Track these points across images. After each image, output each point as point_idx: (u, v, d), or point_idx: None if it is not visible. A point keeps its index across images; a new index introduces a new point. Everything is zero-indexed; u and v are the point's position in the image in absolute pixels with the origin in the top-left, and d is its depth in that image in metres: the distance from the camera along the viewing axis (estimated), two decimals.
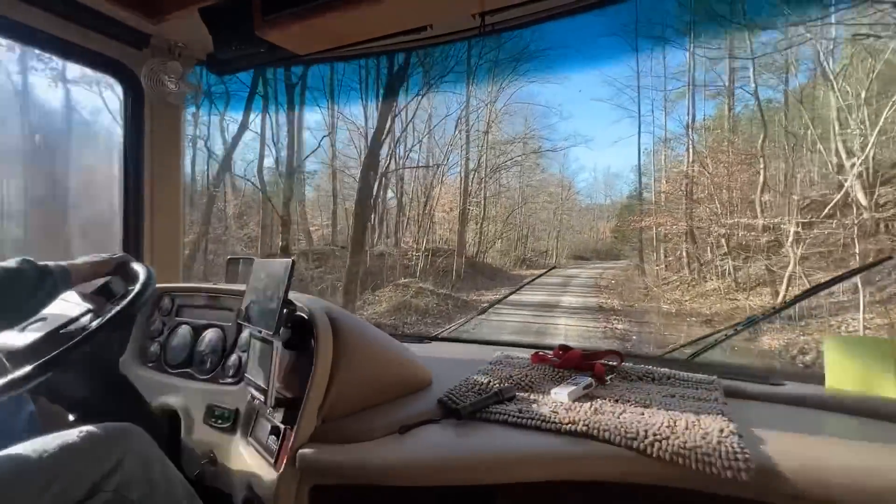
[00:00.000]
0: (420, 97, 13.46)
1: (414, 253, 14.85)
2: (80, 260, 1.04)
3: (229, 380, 1.14)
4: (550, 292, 13.76)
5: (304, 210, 14.84)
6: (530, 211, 20.90)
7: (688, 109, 14.14)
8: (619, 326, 9.62)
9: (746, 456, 0.74)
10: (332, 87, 13.14)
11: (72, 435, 0.82)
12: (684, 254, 13.24)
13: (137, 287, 1.02)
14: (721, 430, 0.81)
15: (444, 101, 15.09)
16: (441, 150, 16.40)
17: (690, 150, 13.53)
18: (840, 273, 1.25)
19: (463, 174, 16.98)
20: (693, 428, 0.83)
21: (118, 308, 0.94)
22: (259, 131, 12.26)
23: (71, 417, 1.02)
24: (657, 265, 14.86)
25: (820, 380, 1.14)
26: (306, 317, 0.97)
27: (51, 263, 0.95)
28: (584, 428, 0.85)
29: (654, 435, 0.80)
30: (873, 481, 0.70)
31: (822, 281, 1.28)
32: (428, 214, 15.95)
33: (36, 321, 1.04)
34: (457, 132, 16.04)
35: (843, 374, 1.09)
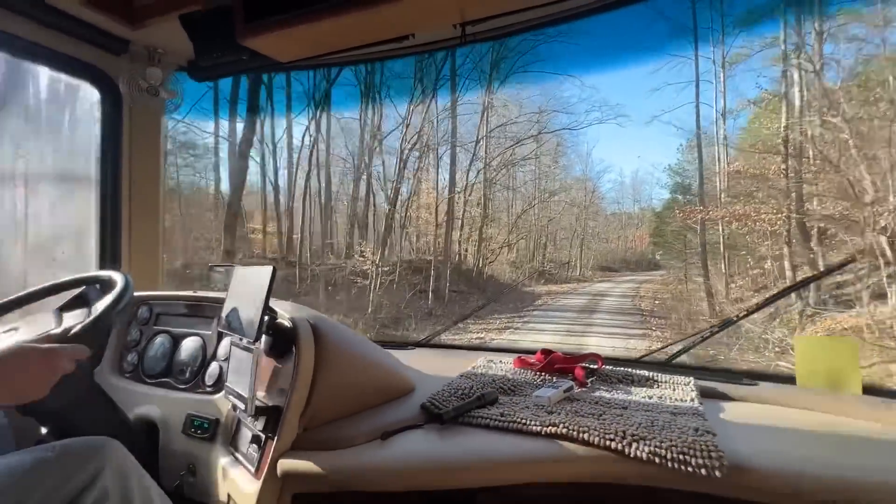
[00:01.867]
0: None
1: (375, 268, 11.06)
2: None
3: (209, 389, 1.12)
4: (569, 325, 9.50)
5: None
6: (548, 215, 17.57)
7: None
8: None
9: (721, 454, 0.76)
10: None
11: (46, 449, 0.80)
12: (786, 260, 8.29)
13: (113, 295, 1.00)
14: (696, 429, 0.84)
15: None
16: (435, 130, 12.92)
17: (802, 89, 8.16)
18: (812, 274, 1.30)
19: (449, 153, 13.39)
20: (669, 427, 0.85)
21: (93, 317, 0.93)
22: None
23: (44, 430, 0.99)
24: (729, 279, 9.95)
25: (791, 379, 1.18)
26: (287, 324, 0.97)
27: None
28: (565, 430, 0.86)
29: (632, 435, 0.82)
30: (842, 476, 0.73)
31: (795, 282, 1.33)
32: (389, 216, 12.74)
33: (8, 329, 1.01)
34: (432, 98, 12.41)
35: (812, 373, 1.13)
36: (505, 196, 16.63)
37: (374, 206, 13.78)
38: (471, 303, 11.95)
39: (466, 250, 14.84)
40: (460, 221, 14.43)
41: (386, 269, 11.58)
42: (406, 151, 13.04)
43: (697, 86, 12.12)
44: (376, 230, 13.32)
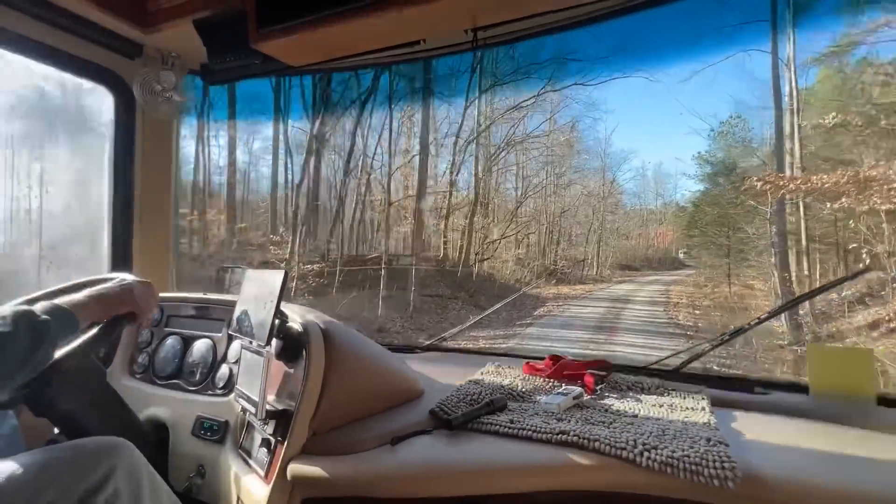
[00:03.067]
0: None
1: (303, 265, 8.60)
2: (82, 294, 0.90)
3: (219, 391, 1.13)
4: (578, 353, 5.06)
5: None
6: (562, 205, 15.16)
7: None
8: None
9: (733, 465, 0.75)
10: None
11: (59, 449, 0.80)
12: None
13: None
14: (708, 440, 0.83)
15: None
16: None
17: None
18: (823, 284, 1.29)
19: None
20: (681, 437, 0.85)
21: (108, 320, 0.93)
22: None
23: (56, 431, 1.00)
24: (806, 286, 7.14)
25: (804, 388, 1.17)
26: (298, 328, 0.97)
27: (48, 309, 0.80)
28: (575, 438, 0.85)
29: (644, 444, 0.81)
30: (857, 489, 0.72)
31: (808, 291, 1.32)
32: (308, 197, 9.95)
33: None
34: None
35: (825, 383, 1.11)
36: (508, 182, 13.68)
37: (365, 194, 11.05)
38: (451, 312, 8.88)
39: (462, 246, 11.72)
40: (445, 209, 11.11)
41: (321, 265, 8.69)
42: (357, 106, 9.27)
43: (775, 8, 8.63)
44: (327, 219, 10.44)
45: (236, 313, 1.07)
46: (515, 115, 12.17)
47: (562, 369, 1.25)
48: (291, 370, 0.98)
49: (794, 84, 8.60)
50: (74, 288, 1.15)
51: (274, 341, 0.97)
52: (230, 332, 1.13)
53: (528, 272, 13.29)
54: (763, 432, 0.94)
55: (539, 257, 14.38)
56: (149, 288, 1.01)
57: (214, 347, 1.20)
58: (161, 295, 1.36)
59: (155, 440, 1.11)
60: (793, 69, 8.60)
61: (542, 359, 1.36)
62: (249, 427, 1.03)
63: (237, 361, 1.09)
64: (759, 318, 1.31)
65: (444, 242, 11.82)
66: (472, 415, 0.96)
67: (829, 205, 6.39)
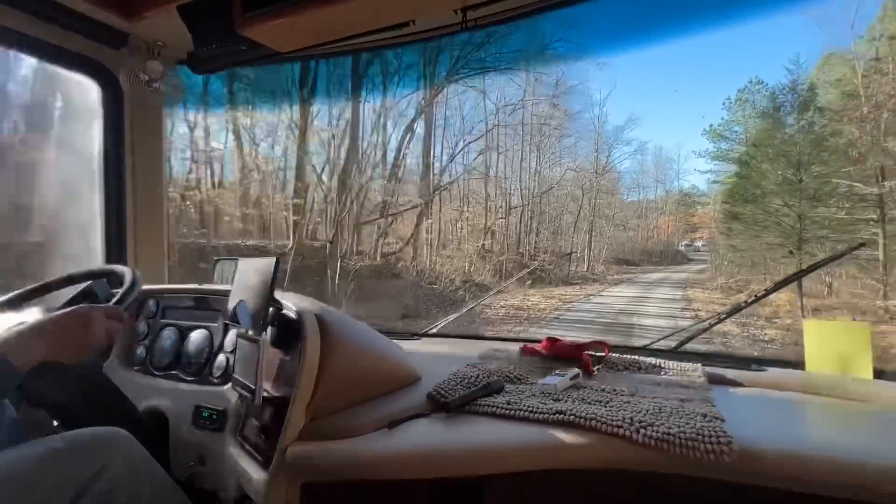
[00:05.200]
0: None
1: None
2: (15, 330, 0.77)
3: (217, 380, 1.13)
4: None
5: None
6: (541, 186, 12.18)
7: None
8: None
9: (729, 439, 0.75)
10: None
11: (56, 440, 0.81)
12: None
13: (122, 290, 1.01)
14: (704, 415, 0.83)
15: None
16: None
17: None
18: (818, 260, 1.28)
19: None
20: (677, 413, 0.85)
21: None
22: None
23: (55, 423, 1.00)
24: None
25: (800, 365, 1.17)
26: (293, 315, 0.97)
27: None
28: (572, 417, 0.86)
29: (640, 422, 0.82)
30: (850, 460, 0.72)
31: (802, 269, 1.32)
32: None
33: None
34: None
35: (821, 358, 1.12)
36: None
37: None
38: None
39: (337, 229, 7.13)
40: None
41: None
42: None
43: None
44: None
45: (231, 303, 1.06)
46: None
47: (559, 350, 1.26)
48: (287, 357, 0.98)
49: None
50: (65, 281, 1.15)
51: (269, 329, 0.97)
52: (226, 322, 1.13)
53: (493, 269, 9.54)
54: (759, 408, 0.95)
55: (507, 251, 10.85)
56: (95, 315, 0.85)
57: (211, 337, 1.20)
58: (157, 287, 1.36)
59: (155, 430, 1.12)
60: None
61: (539, 341, 1.36)
62: (247, 414, 1.03)
63: (233, 350, 1.09)
64: (755, 296, 1.31)
65: (294, 221, 7.30)
66: (470, 397, 0.96)
67: None
